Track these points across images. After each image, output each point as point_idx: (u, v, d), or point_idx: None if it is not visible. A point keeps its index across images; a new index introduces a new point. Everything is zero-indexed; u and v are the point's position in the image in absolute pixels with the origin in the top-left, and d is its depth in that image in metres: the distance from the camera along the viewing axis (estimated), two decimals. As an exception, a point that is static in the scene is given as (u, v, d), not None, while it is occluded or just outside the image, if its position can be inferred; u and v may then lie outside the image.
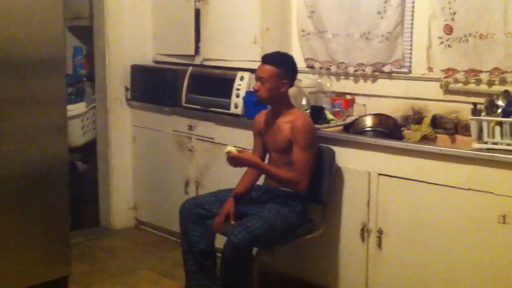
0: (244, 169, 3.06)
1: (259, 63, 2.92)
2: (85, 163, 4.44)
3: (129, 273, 3.51)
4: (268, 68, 2.84)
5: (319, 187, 2.94)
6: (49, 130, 2.96)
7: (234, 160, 2.78)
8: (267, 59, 2.88)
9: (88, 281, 3.37)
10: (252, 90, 3.05)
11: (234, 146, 2.82)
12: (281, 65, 2.86)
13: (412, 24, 3.28)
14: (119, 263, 3.68)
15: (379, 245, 2.87)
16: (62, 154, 3.03)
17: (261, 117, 3.04)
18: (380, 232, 2.87)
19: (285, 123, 2.87)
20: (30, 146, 2.89)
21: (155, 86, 4.03)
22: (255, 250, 2.79)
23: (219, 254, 2.84)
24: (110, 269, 3.58)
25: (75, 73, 4.56)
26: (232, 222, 2.83)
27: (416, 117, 3.21)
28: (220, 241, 2.88)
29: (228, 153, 2.77)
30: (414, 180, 2.74)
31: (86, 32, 4.31)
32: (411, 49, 3.31)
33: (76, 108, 4.20)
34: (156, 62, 4.24)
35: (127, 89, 4.20)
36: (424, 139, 3.04)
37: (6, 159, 2.81)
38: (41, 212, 2.96)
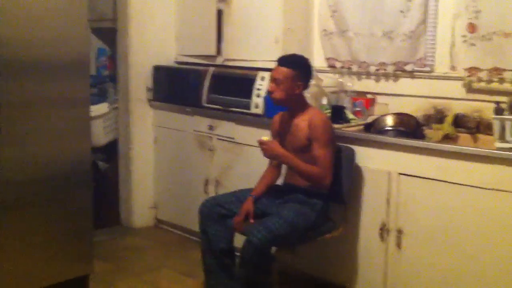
0: (263, 169, 3.07)
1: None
2: (106, 162, 4.49)
3: (151, 272, 3.53)
4: (284, 70, 2.84)
5: (339, 187, 2.92)
6: (73, 130, 2.98)
7: (268, 150, 2.80)
8: (283, 61, 2.89)
9: (111, 280, 3.39)
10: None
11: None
12: (296, 67, 2.86)
13: (435, 22, 3.26)
14: (141, 262, 3.70)
15: (399, 245, 2.84)
16: (85, 154, 3.05)
17: (278, 118, 3.05)
18: (399, 232, 2.84)
19: (303, 121, 2.86)
20: (53, 147, 2.91)
21: (176, 86, 4.06)
22: (274, 249, 2.78)
23: (237, 254, 2.84)
24: (132, 267, 3.60)
25: (98, 74, 4.62)
26: (251, 221, 2.84)
27: (438, 116, 3.18)
28: (239, 240, 2.88)
29: (262, 143, 2.80)
30: (435, 179, 2.70)
31: (110, 33, 4.35)
32: (434, 48, 3.28)
33: (98, 109, 4.24)
34: (178, 62, 4.26)
35: (148, 90, 4.23)
36: (446, 138, 3.01)
37: (31, 160, 2.84)
38: (64, 211, 2.98)
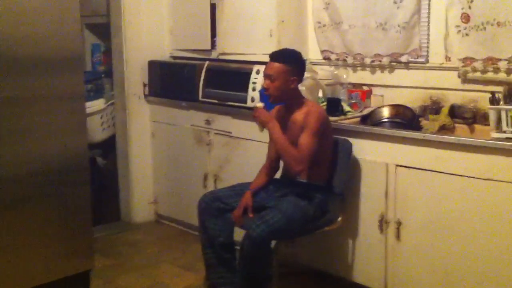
0: (261, 162, 3.08)
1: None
2: (105, 158, 4.50)
3: (151, 267, 3.55)
4: (277, 65, 2.84)
5: (336, 179, 2.94)
6: (69, 126, 2.98)
7: (258, 116, 2.86)
8: (275, 56, 2.88)
9: (111, 275, 3.42)
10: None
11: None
12: (289, 62, 2.85)
13: (429, 13, 3.26)
14: (141, 257, 3.72)
15: (398, 236, 2.86)
16: (82, 150, 3.06)
17: (275, 113, 3.04)
18: (398, 223, 2.86)
19: (299, 115, 2.87)
20: (50, 143, 2.92)
21: (172, 81, 4.05)
22: (273, 242, 2.80)
23: (237, 247, 2.85)
24: (132, 263, 3.62)
25: (93, 70, 4.61)
26: (251, 215, 2.85)
27: (434, 107, 3.19)
28: (239, 234, 2.90)
29: (255, 110, 2.86)
30: (432, 171, 2.72)
31: (104, 29, 4.34)
32: (428, 39, 3.28)
33: (95, 105, 4.23)
34: (173, 57, 4.26)
35: (145, 85, 4.23)
36: (443, 129, 3.02)
37: (28, 156, 2.84)
38: (63, 208, 2.99)
